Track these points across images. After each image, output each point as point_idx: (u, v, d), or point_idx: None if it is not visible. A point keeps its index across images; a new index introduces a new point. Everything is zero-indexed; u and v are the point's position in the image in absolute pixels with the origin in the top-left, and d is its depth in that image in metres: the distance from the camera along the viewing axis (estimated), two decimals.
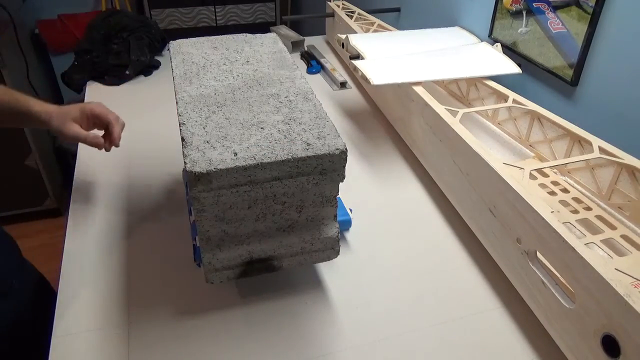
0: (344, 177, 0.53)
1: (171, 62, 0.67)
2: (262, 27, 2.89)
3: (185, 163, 0.48)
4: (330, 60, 1.32)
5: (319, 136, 0.52)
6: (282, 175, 0.50)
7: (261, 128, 0.53)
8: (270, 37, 0.77)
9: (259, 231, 0.55)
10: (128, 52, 1.18)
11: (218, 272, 0.55)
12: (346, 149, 0.51)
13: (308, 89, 0.62)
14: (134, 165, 0.86)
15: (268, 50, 0.71)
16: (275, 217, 0.54)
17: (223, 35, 0.77)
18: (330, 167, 0.51)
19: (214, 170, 0.47)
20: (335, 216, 0.57)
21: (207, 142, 0.50)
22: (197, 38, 0.75)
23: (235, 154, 0.49)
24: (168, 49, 1.31)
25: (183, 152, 0.50)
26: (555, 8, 0.84)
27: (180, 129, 0.53)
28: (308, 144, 0.50)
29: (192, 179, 0.47)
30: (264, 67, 0.67)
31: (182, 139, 0.51)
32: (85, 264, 0.65)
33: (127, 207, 0.76)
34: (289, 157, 0.49)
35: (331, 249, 0.58)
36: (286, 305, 0.60)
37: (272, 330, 0.57)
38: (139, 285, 0.62)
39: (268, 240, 0.55)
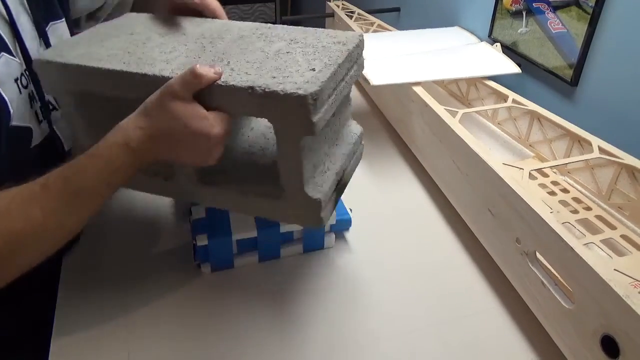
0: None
1: None
2: None
3: (285, 93, 0.44)
4: None
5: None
6: (344, 76, 0.51)
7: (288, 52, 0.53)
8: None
9: (326, 151, 0.55)
10: None
11: (327, 208, 0.53)
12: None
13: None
14: None
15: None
16: (328, 130, 0.55)
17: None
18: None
19: (320, 84, 0.45)
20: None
21: (278, 68, 0.49)
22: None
23: (313, 69, 0.48)
24: None
25: (268, 93, 0.45)
26: (555, 8, 0.84)
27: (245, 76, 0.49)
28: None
29: (310, 103, 0.44)
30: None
31: (263, 90, 0.46)
32: (85, 264, 0.65)
33: (127, 207, 0.76)
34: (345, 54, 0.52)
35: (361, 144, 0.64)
36: (286, 305, 0.60)
37: (272, 330, 0.57)
38: (139, 285, 0.62)
39: (333, 157, 0.56)
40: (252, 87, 0.46)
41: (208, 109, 0.47)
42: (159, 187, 0.60)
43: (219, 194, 0.57)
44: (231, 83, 0.46)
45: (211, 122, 0.46)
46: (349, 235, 0.71)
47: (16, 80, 0.52)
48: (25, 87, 0.53)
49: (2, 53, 0.51)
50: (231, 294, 0.61)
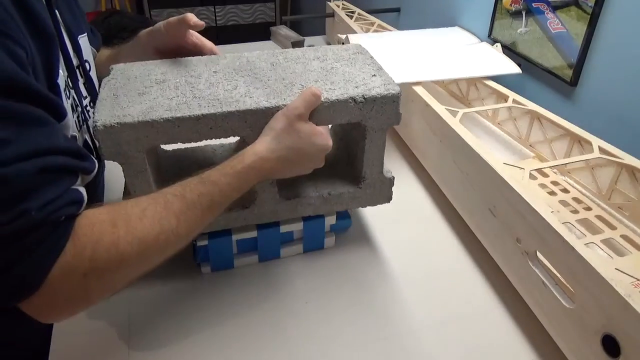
0: None
1: None
2: (262, 27, 2.89)
3: (381, 95, 0.55)
4: None
5: None
6: None
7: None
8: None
9: None
10: None
11: None
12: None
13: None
14: None
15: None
16: None
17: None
18: None
19: (396, 83, 0.58)
20: None
21: (348, 80, 0.58)
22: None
23: (375, 75, 0.59)
24: None
25: (367, 99, 0.55)
26: (554, 8, 0.84)
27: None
28: None
29: (399, 98, 0.55)
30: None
31: (363, 97, 0.55)
32: None
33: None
34: None
35: None
36: (286, 305, 0.60)
37: (272, 330, 0.57)
38: (139, 285, 0.62)
39: None
40: (352, 98, 0.54)
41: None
42: (234, 219, 0.60)
43: (300, 205, 0.61)
44: (334, 98, 0.54)
45: (326, 135, 0.54)
46: (349, 235, 0.71)
47: (64, 90, 0.52)
48: (68, 98, 0.53)
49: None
50: (231, 294, 0.61)
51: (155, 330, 0.56)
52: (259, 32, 2.83)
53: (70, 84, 0.55)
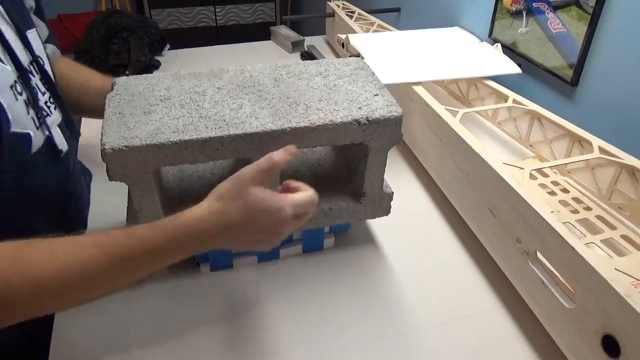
0: None
1: None
2: (262, 27, 2.89)
3: (385, 117, 0.55)
4: None
5: None
6: None
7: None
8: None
9: None
10: (128, 52, 1.18)
11: None
12: None
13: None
14: None
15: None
16: None
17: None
18: None
19: (398, 103, 0.58)
20: None
21: (352, 100, 0.58)
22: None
23: (377, 94, 0.59)
24: (168, 49, 1.30)
25: (371, 120, 0.55)
26: (555, 8, 0.84)
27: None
28: None
29: (401, 119, 0.55)
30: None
31: (367, 119, 0.55)
32: None
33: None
34: None
35: None
36: (286, 304, 0.60)
37: (270, 330, 0.57)
38: (138, 285, 0.62)
39: None
40: (356, 120, 0.55)
41: (317, 145, 0.54)
42: None
43: None
44: (338, 120, 0.54)
45: (282, 203, 0.46)
46: (349, 235, 0.71)
47: (11, 87, 0.52)
48: (21, 94, 0.53)
49: None
50: (230, 294, 0.61)
51: (154, 329, 0.56)
52: (259, 32, 2.83)
53: (20, 81, 0.54)
